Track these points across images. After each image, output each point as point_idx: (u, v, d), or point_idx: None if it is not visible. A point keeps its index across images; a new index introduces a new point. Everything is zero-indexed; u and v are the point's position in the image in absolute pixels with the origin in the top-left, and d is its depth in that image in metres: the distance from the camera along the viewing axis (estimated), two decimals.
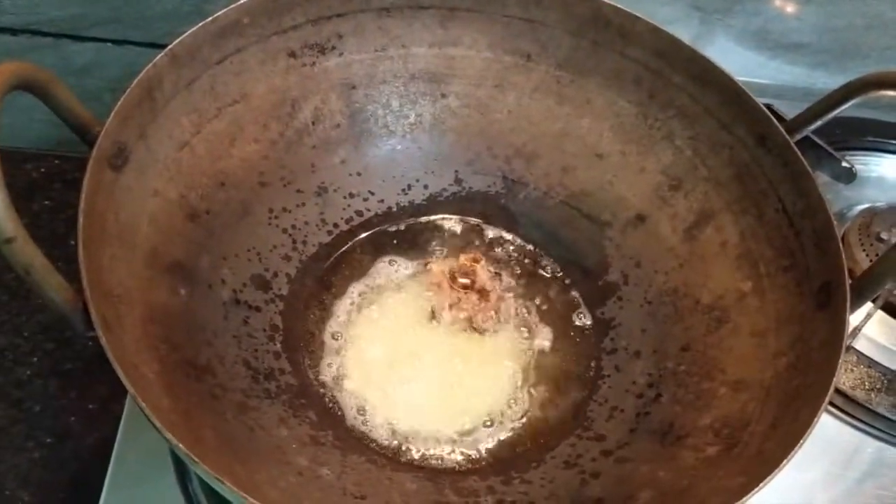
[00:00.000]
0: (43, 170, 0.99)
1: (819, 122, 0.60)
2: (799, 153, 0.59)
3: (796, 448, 0.46)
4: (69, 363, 0.86)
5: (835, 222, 0.56)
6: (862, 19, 0.91)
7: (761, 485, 0.44)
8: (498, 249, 0.70)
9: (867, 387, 0.70)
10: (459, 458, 0.59)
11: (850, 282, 0.53)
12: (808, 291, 0.56)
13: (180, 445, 0.41)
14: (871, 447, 0.69)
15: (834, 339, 0.51)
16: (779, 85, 0.95)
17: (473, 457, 0.59)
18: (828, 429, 0.69)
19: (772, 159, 0.61)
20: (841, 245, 0.55)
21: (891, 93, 0.55)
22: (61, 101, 0.49)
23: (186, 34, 0.57)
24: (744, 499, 0.44)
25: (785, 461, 0.45)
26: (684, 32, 0.88)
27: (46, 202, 0.96)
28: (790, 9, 0.91)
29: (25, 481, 0.79)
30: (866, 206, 0.82)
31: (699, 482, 0.51)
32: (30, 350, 0.87)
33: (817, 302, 0.55)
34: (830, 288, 0.54)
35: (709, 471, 0.52)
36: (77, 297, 0.44)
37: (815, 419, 0.47)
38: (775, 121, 0.60)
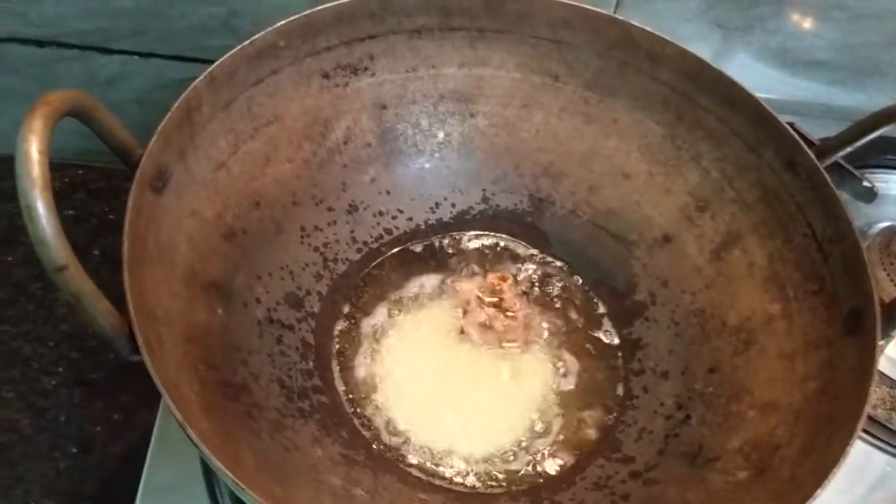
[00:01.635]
0: (66, 179, 0.99)
1: (849, 149, 0.61)
2: (828, 178, 0.59)
3: (830, 475, 0.46)
4: (94, 373, 0.87)
5: None
6: (880, 37, 0.92)
7: None
8: (525, 267, 0.71)
9: (889, 406, 0.71)
10: (490, 479, 0.59)
11: (880, 308, 0.54)
12: (836, 316, 0.56)
13: (229, 473, 0.42)
14: (890, 466, 0.70)
15: (864, 365, 0.52)
16: (798, 101, 0.95)
17: (504, 478, 0.59)
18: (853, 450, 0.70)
19: (800, 183, 0.61)
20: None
21: None
22: (106, 126, 0.50)
23: (225, 56, 0.58)
24: None
25: (819, 489, 0.46)
26: (705, 49, 0.88)
27: (70, 212, 0.97)
28: (809, 26, 0.91)
29: (51, 491, 0.80)
30: (887, 224, 0.82)
31: None
32: (55, 360, 0.87)
33: (846, 327, 0.55)
34: (860, 314, 0.55)
35: (739, 495, 0.52)
36: (122, 321, 0.45)
37: (849, 446, 0.48)
38: (804, 145, 0.61)
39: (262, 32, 0.59)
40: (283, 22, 0.60)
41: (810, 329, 0.58)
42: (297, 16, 0.61)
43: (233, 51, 0.58)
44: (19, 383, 0.85)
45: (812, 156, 0.60)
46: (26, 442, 0.82)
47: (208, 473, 0.62)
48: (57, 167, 0.99)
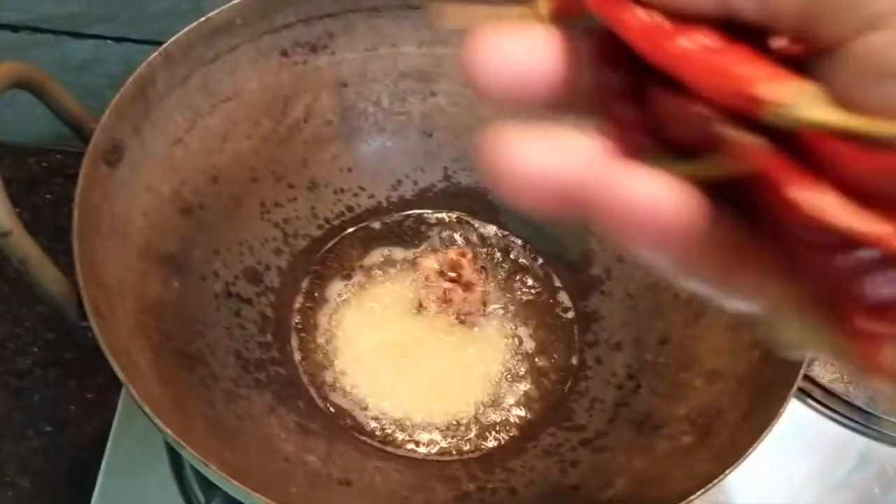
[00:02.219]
0: (45, 164, 1.00)
1: None
2: None
3: (763, 435, 0.48)
4: (69, 353, 0.88)
5: None
6: None
7: (728, 470, 0.46)
8: (485, 243, 0.72)
9: (846, 380, 0.72)
10: (444, 446, 0.60)
11: None
12: None
13: (168, 430, 0.43)
14: (848, 439, 0.71)
15: None
16: None
17: (457, 446, 0.60)
18: (808, 422, 0.71)
19: None
20: None
21: None
22: (57, 99, 0.51)
23: (180, 33, 0.58)
24: (711, 483, 0.46)
25: (752, 448, 0.47)
26: None
27: (48, 196, 0.98)
28: None
29: (25, 468, 0.81)
30: None
31: (673, 469, 0.53)
32: (30, 340, 0.88)
33: None
34: None
35: (682, 458, 0.53)
36: (71, 287, 0.46)
37: (782, 408, 0.49)
38: None
39: (218, 10, 0.60)
40: None
41: None
42: None
43: (188, 27, 0.59)
44: None
45: None
46: (1, 421, 0.83)
47: (172, 450, 0.63)
48: (36, 152, 1.01)
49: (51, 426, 0.84)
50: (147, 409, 0.43)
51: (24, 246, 0.43)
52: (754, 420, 0.51)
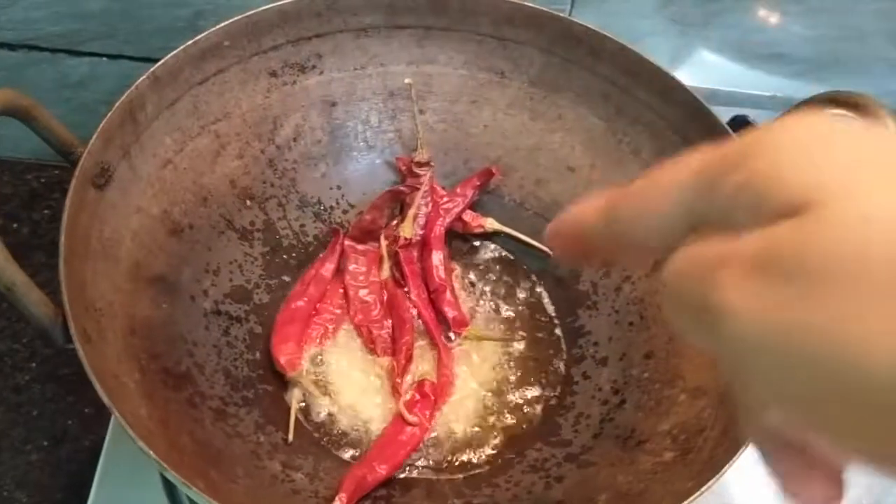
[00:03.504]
0: (43, 180, 1.01)
1: None
2: None
3: (739, 453, 0.48)
4: (66, 368, 0.89)
5: None
6: (839, 31, 0.93)
7: (704, 488, 0.47)
8: (475, 258, 0.73)
9: None
10: (430, 463, 0.61)
11: None
12: None
13: (152, 454, 0.44)
14: None
15: None
16: (757, 94, 0.97)
17: (443, 462, 0.61)
18: None
19: None
20: None
21: (841, 111, 0.57)
22: (45, 124, 0.52)
23: (168, 56, 0.60)
24: (688, 501, 0.47)
25: (727, 466, 0.48)
26: (664, 44, 0.90)
27: (46, 211, 0.99)
28: (768, 20, 0.93)
29: (23, 483, 0.82)
30: None
31: (655, 486, 0.53)
32: (28, 356, 0.90)
33: None
34: None
35: (664, 475, 0.54)
36: (57, 311, 0.47)
37: None
38: (734, 135, 0.62)
39: (206, 32, 0.61)
40: (226, 22, 0.62)
41: None
42: (240, 16, 0.63)
43: (175, 51, 0.60)
44: None
45: None
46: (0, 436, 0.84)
47: None
48: (34, 168, 1.02)
49: (48, 441, 0.85)
50: (132, 433, 0.44)
51: (10, 272, 0.44)
52: (732, 437, 0.51)
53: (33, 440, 0.85)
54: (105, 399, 0.45)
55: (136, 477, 0.63)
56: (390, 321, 0.66)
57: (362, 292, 0.67)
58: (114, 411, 0.44)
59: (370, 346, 0.65)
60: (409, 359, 0.64)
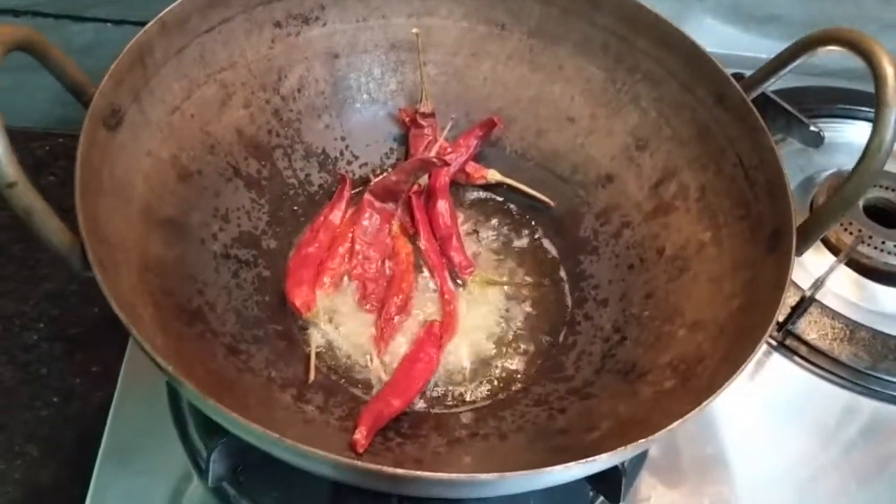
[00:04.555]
0: (48, 148, 1.03)
1: (773, 79, 0.64)
2: (754, 109, 0.62)
3: (736, 374, 0.50)
4: (74, 328, 0.90)
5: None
6: None
7: (704, 404, 0.48)
8: (478, 208, 0.74)
9: (830, 337, 0.74)
10: (438, 396, 0.62)
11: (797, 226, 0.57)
12: (760, 238, 0.60)
13: (169, 368, 0.45)
14: (832, 393, 0.72)
15: (780, 278, 0.55)
16: (753, 56, 0.98)
17: (451, 397, 0.62)
18: (796, 378, 0.73)
19: (730, 117, 0.64)
20: (793, 195, 0.59)
21: (836, 48, 0.58)
22: (59, 63, 0.53)
23: (175, 4, 0.61)
24: (688, 416, 0.48)
25: (724, 386, 0.49)
26: (660, 6, 0.91)
27: (52, 178, 1.01)
28: None
29: (33, 437, 0.84)
30: (835, 170, 0.85)
31: (655, 413, 0.55)
32: (36, 316, 0.91)
33: (768, 247, 0.58)
34: (779, 233, 0.58)
35: (665, 402, 0.55)
36: (75, 238, 0.48)
37: (755, 351, 0.51)
38: (732, 80, 0.64)
39: None
40: None
41: (737, 252, 0.61)
42: None
43: None
44: (2, 339, 0.89)
45: (739, 88, 0.63)
46: (9, 393, 0.86)
47: (176, 411, 0.64)
48: (40, 136, 1.03)
49: (57, 397, 0.86)
50: (150, 351, 0.45)
51: (30, 196, 0.45)
52: (731, 362, 0.52)
53: (43, 396, 0.86)
54: (123, 319, 0.46)
55: (148, 426, 0.64)
56: (385, 281, 0.67)
57: (367, 248, 0.68)
58: (132, 330, 0.45)
59: (362, 301, 0.66)
60: (400, 311, 0.65)
